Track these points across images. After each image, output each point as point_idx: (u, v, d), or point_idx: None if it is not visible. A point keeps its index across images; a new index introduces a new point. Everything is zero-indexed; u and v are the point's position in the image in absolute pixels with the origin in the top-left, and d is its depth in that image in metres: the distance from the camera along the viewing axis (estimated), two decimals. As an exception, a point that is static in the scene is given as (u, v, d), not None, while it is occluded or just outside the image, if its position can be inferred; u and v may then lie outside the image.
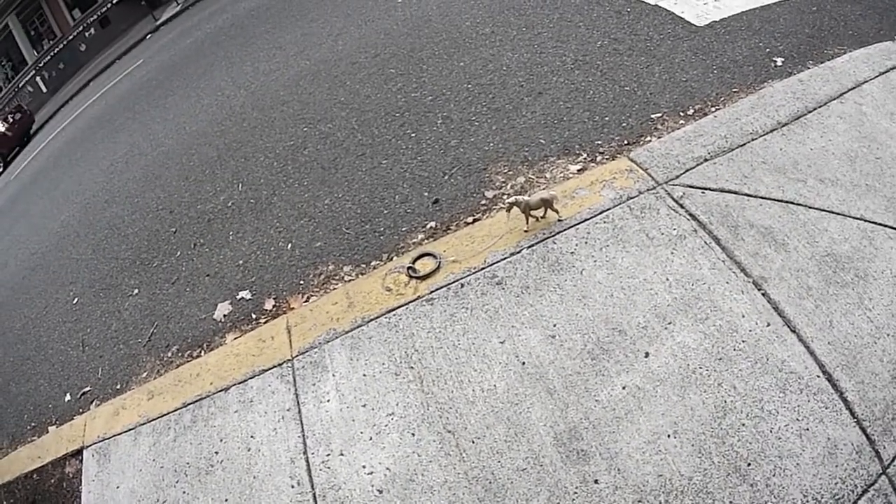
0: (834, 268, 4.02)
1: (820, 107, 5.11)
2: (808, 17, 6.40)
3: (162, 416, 5.25)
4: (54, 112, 32.28)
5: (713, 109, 5.53)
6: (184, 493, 4.64)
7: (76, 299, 8.27)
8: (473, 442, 3.90)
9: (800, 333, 3.76)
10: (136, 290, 7.41)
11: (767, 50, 6.07)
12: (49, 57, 44.43)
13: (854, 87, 5.25)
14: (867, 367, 3.59)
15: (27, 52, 45.64)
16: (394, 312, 4.78)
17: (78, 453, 5.58)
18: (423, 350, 4.44)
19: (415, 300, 4.78)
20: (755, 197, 4.48)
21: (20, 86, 45.36)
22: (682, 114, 5.64)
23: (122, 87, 19.07)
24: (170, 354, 6.06)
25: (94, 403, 6.20)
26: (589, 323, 4.13)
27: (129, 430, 5.36)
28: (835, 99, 5.16)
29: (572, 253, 4.56)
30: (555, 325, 4.20)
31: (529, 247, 4.74)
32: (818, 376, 3.60)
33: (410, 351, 4.47)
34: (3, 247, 13.55)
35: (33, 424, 6.69)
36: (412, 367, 4.37)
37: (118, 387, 6.15)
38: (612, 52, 6.82)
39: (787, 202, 4.41)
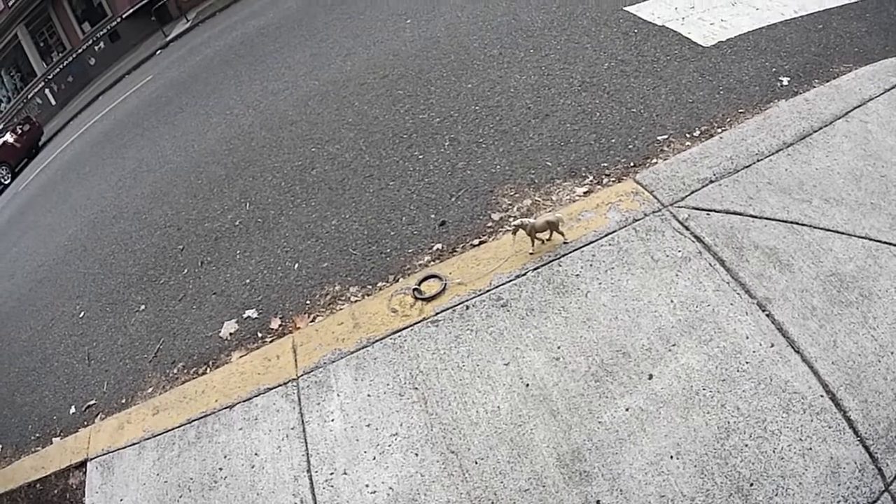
0: (838, 287, 4.02)
1: (825, 126, 5.12)
2: (813, 35, 6.42)
3: (166, 431, 5.26)
4: (63, 125, 32.35)
5: (719, 130, 5.54)
6: (187, 508, 4.63)
7: (83, 313, 8.29)
8: (476, 463, 3.90)
9: (804, 354, 3.76)
10: (142, 306, 7.43)
11: (774, 69, 6.09)
12: (58, 69, 44.58)
13: (859, 105, 5.26)
14: (871, 386, 3.59)
15: (36, 63, 45.73)
16: (399, 333, 4.79)
17: (82, 465, 5.59)
18: (427, 371, 4.45)
19: (420, 321, 4.79)
20: (760, 218, 4.49)
21: (28, 97, 45.48)
22: (688, 135, 5.65)
23: (131, 102, 19.12)
24: (175, 371, 6.07)
25: (98, 417, 6.21)
26: (593, 345, 4.14)
27: (134, 444, 5.37)
28: (840, 118, 5.17)
29: (577, 275, 4.58)
30: (559, 348, 4.20)
31: (535, 269, 4.75)
32: (822, 396, 3.60)
33: (415, 372, 4.48)
34: (11, 258, 13.58)
35: (37, 435, 6.70)
36: (416, 388, 4.38)
37: (123, 401, 6.17)
38: (619, 73, 6.83)
39: (791, 223, 4.41)
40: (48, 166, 21.41)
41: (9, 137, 31.01)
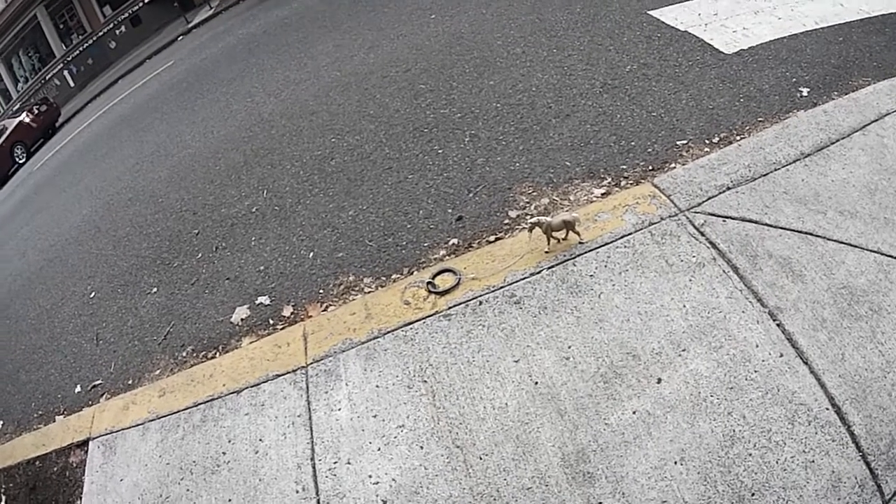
0: (849, 300, 4.01)
1: (843, 138, 5.11)
2: (834, 47, 6.40)
3: (172, 413, 5.28)
4: (81, 107, 32.35)
5: (738, 138, 5.52)
6: (188, 490, 4.67)
7: (93, 293, 8.32)
8: (481, 458, 3.91)
9: (811, 365, 3.75)
10: (154, 289, 7.45)
11: (794, 80, 6.08)
12: (78, 52, 44.61)
13: (877, 120, 5.24)
14: (875, 401, 3.58)
15: (55, 45, 45.78)
16: (411, 326, 4.80)
17: (84, 444, 5.62)
18: (437, 365, 4.46)
19: (432, 315, 4.81)
20: (775, 227, 4.49)
21: (46, 78, 45.55)
22: (707, 141, 5.64)
23: (151, 87, 19.08)
24: (184, 354, 6.08)
25: (104, 397, 6.24)
26: (604, 346, 4.14)
27: (138, 425, 5.40)
28: (857, 131, 5.16)
29: (591, 276, 4.58)
30: (570, 347, 4.21)
31: (549, 268, 4.76)
32: (827, 409, 3.59)
33: (425, 365, 4.49)
34: (23, 236, 13.63)
35: (40, 413, 6.73)
36: (425, 381, 4.39)
37: (130, 382, 6.19)
38: (641, 77, 6.82)
39: (806, 233, 4.41)
40: (64, 147, 21.42)
41: (25, 117, 31.10)
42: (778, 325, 3.95)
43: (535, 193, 5.80)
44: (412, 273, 5.48)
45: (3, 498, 5.96)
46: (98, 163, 15.15)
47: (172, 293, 7.15)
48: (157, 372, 6.07)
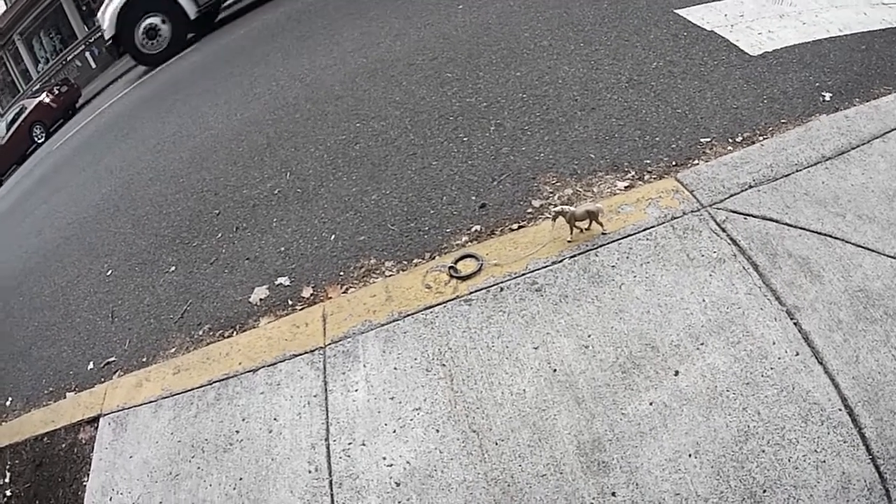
0: (865, 303, 4.02)
1: (863, 144, 5.10)
2: (857, 55, 6.40)
3: (186, 391, 5.30)
4: (102, 88, 32.41)
5: (761, 138, 5.53)
6: (198, 468, 4.68)
7: (110, 271, 8.36)
8: (497, 444, 3.93)
9: (826, 365, 3.76)
10: (172, 268, 7.48)
11: (817, 84, 6.08)
12: (100, 33, 44.65)
13: (897, 128, 5.26)
14: (887, 406, 3.59)
15: (77, 26, 45.95)
16: (431, 310, 4.82)
17: (94, 421, 5.63)
18: (456, 349, 4.48)
19: (453, 299, 4.83)
20: (795, 227, 4.50)
21: (68, 59, 45.68)
22: (730, 140, 5.65)
23: (173, 69, 19.02)
24: (201, 332, 6.10)
25: (117, 374, 6.25)
26: (623, 337, 4.16)
27: (151, 402, 5.41)
28: (878, 137, 5.15)
29: (613, 267, 4.60)
30: (589, 336, 4.23)
31: (571, 257, 4.78)
32: (840, 409, 3.60)
33: (444, 349, 4.51)
34: (40, 214, 13.69)
35: (51, 389, 6.75)
36: (444, 365, 4.42)
37: (144, 360, 6.21)
38: (667, 74, 6.83)
39: (825, 235, 4.42)
40: (84, 127, 21.40)
41: (45, 98, 31.31)
42: (795, 323, 3.97)
43: (558, 184, 5.82)
44: (434, 258, 5.50)
45: (8, 475, 5.99)
46: (118, 143, 15.14)
47: (191, 272, 7.18)
48: (173, 350, 6.08)
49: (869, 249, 4.31)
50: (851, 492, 3.36)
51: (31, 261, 10.95)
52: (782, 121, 5.72)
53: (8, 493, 5.87)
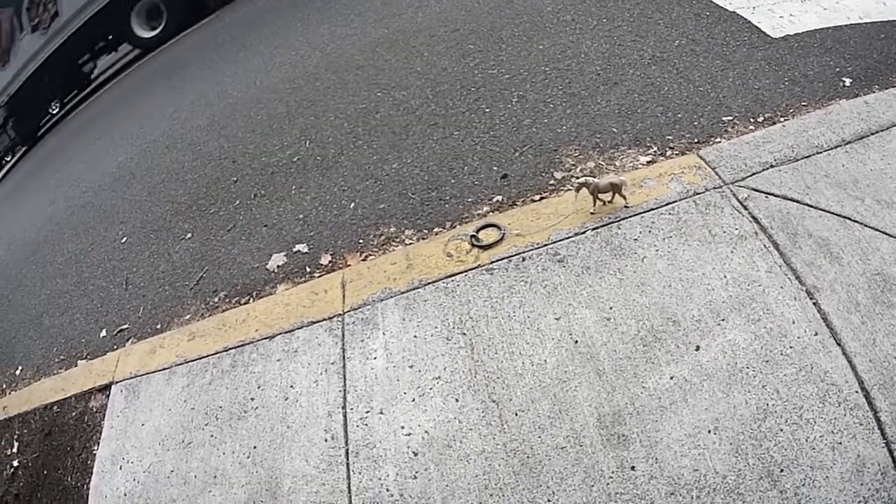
0: (882, 287, 4.03)
1: (882, 130, 5.12)
2: (876, 43, 6.39)
3: (200, 357, 5.35)
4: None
5: (782, 119, 5.55)
6: (211, 436, 4.74)
7: (125, 238, 8.41)
8: (517, 414, 3.95)
9: (844, 347, 3.78)
10: (189, 234, 7.51)
11: (837, 69, 6.08)
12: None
13: (916, 117, 5.25)
14: (902, 391, 3.60)
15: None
16: (452, 278, 4.85)
17: (106, 388, 5.70)
18: (477, 318, 4.50)
19: (475, 268, 4.86)
20: (815, 208, 4.51)
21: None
22: (752, 120, 5.66)
23: (191, 39, 18.85)
24: (216, 299, 6.14)
25: (130, 341, 6.31)
26: (645, 310, 4.19)
27: (164, 369, 5.47)
28: (896, 125, 5.17)
29: (635, 240, 4.62)
30: (611, 308, 4.26)
31: (594, 229, 4.80)
32: (857, 392, 3.62)
33: (465, 318, 4.54)
34: (54, 183, 13.70)
35: (62, 357, 6.83)
36: (464, 334, 4.44)
37: (158, 327, 6.26)
38: (690, 52, 6.82)
39: (844, 217, 4.43)
40: (100, 97, 21.34)
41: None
42: (814, 303, 3.99)
43: (581, 156, 5.84)
44: (455, 227, 5.53)
45: (16, 444, 6.00)
46: (135, 110, 15.10)
47: (207, 239, 7.21)
48: (188, 317, 6.13)
49: (887, 234, 4.32)
50: (866, 475, 3.38)
51: (45, 229, 11.00)
52: (803, 103, 5.72)
53: (15, 463, 5.90)
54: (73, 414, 5.75)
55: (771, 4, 7.34)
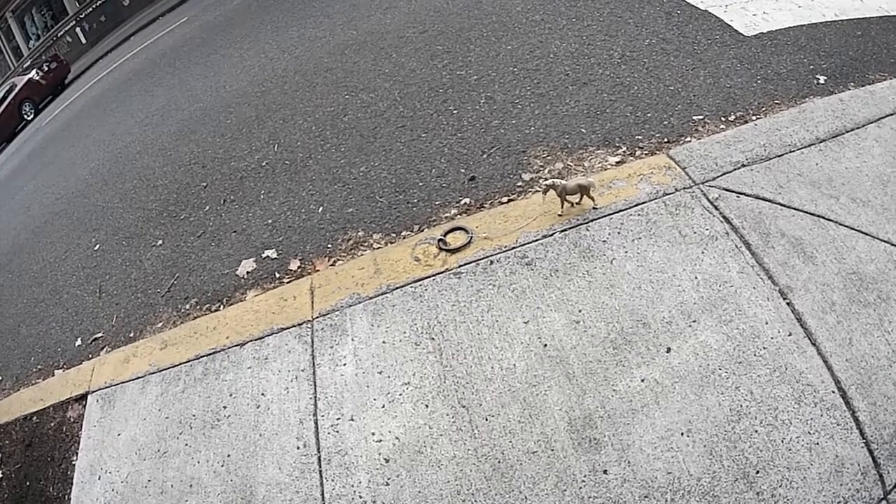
0: (858, 286, 4.01)
1: (858, 128, 5.10)
2: (852, 40, 6.40)
3: (173, 366, 5.30)
4: (91, 63, 32.35)
5: (754, 118, 5.54)
6: (186, 444, 4.69)
7: (98, 246, 8.36)
8: (487, 419, 3.92)
9: (820, 347, 3.76)
10: (160, 241, 7.47)
11: (811, 67, 6.08)
12: (91, 9, 44.53)
13: (892, 114, 5.22)
14: (880, 390, 3.59)
15: (68, 2, 45.73)
16: (420, 283, 4.82)
17: (82, 398, 5.63)
18: (445, 322, 4.46)
19: (442, 272, 4.82)
20: (788, 207, 4.49)
21: (58, 35, 45.53)
22: (723, 119, 5.65)
23: (163, 43, 19.02)
24: (188, 306, 6.10)
25: (104, 350, 6.25)
26: (614, 312, 4.15)
27: (138, 378, 5.41)
28: (873, 122, 5.15)
29: (604, 241, 4.59)
30: (580, 311, 4.22)
31: (562, 231, 4.76)
32: (833, 392, 3.60)
33: (433, 322, 4.50)
34: (29, 190, 13.70)
35: (39, 367, 6.75)
36: (433, 339, 4.40)
37: (131, 335, 6.21)
38: (660, 51, 6.83)
39: (818, 216, 4.41)
40: (73, 103, 21.38)
41: (34, 75, 31.28)
42: (788, 303, 3.97)
43: (549, 158, 5.82)
44: (423, 230, 5.50)
45: (-1, 456, 5.96)
46: (107, 117, 15.12)
47: (178, 246, 7.18)
48: (160, 324, 6.08)
49: (863, 233, 4.31)
50: (845, 475, 3.36)
51: (20, 238, 10.95)
52: (776, 101, 5.72)
53: (-1, 475, 5.84)
54: (52, 424, 5.69)
55: (744, 2, 7.37)
